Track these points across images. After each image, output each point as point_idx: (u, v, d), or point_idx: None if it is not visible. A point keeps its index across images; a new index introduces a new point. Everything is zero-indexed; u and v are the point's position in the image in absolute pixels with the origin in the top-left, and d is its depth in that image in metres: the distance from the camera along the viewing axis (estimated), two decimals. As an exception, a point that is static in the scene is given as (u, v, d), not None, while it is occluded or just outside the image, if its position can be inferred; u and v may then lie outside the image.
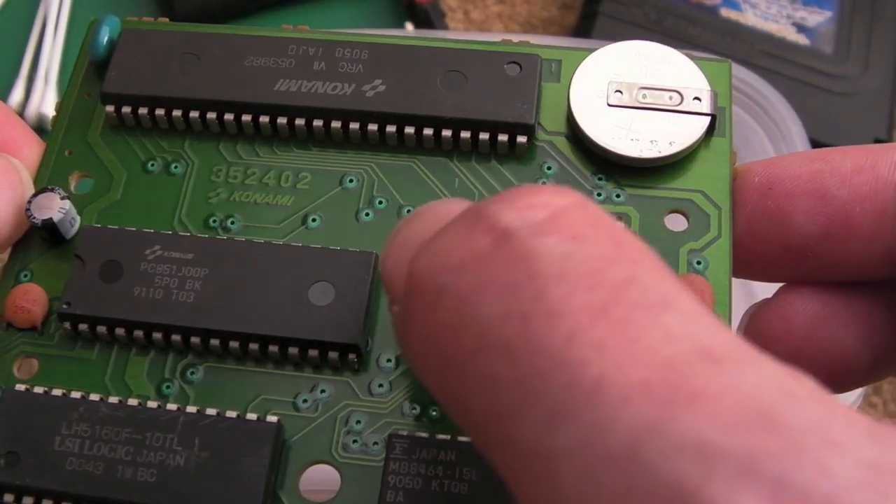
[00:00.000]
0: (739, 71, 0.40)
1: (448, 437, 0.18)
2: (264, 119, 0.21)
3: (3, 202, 0.20)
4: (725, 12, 0.43)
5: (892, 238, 0.19)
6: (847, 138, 0.43)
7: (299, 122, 0.21)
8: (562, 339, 0.12)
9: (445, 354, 0.13)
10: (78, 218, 0.21)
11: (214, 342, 0.19)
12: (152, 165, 0.21)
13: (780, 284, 0.22)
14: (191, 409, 0.18)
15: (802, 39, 0.42)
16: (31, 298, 0.20)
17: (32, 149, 0.22)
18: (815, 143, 0.41)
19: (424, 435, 0.18)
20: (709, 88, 0.21)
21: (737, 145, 0.22)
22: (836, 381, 0.21)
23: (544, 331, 0.12)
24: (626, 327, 0.12)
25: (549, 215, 0.13)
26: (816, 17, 0.43)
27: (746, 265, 0.21)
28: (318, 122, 0.21)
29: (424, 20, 0.46)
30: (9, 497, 0.18)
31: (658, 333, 0.12)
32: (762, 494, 0.11)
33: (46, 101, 0.45)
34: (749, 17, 0.43)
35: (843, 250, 0.20)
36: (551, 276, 0.13)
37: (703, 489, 0.11)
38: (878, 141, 0.45)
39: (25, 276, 0.20)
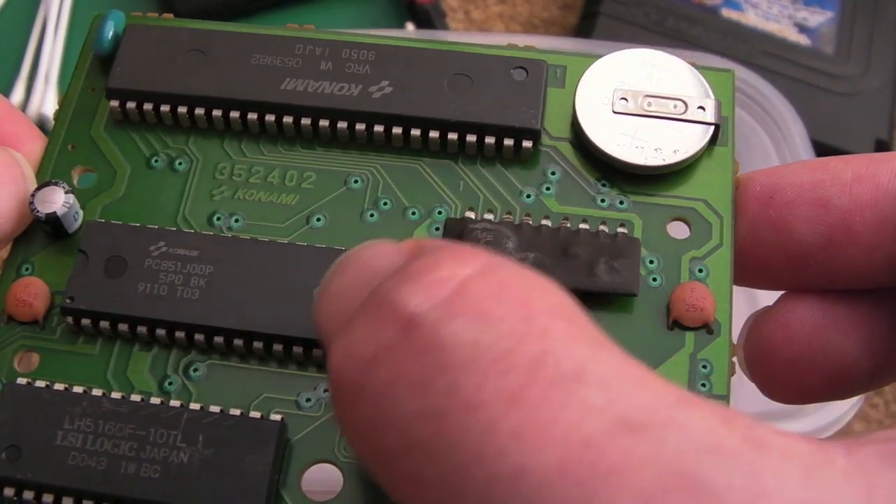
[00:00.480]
0: (740, 71, 0.40)
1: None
2: (270, 118, 0.21)
3: (6, 197, 0.20)
4: (726, 12, 0.44)
5: (893, 246, 0.20)
6: (848, 138, 0.43)
7: (305, 121, 0.21)
8: (479, 433, 0.12)
9: (372, 452, 0.13)
10: (81, 212, 0.21)
11: (218, 339, 0.19)
12: (156, 161, 0.21)
13: (782, 292, 0.22)
14: (194, 405, 0.18)
15: (804, 40, 0.43)
16: (32, 292, 0.20)
17: (35, 143, 0.22)
18: (817, 144, 0.41)
19: None
20: (713, 98, 0.21)
21: (738, 146, 0.22)
22: (839, 387, 0.21)
23: (461, 426, 0.12)
24: (542, 409, 0.12)
25: (454, 291, 0.13)
26: (817, 18, 0.43)
27: (748, 273, 0.21)
28: (324, 122, 0.21)
29: (425, 20, 0.46)
30: (9, 491, 0.18)
31: (575, 410, 0.12)
32: None
33: (47, 102, 0.45)
34: (750, 18, 0.43)
35: (843, 258, 0.20)
36: (461, 366, 0.12)
37: None
38: (879, 141, 0.45)
39: (27, 269, 0.20)
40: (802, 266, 0.21)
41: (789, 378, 0.21)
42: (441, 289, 0.13)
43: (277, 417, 0.18)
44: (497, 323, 0.13)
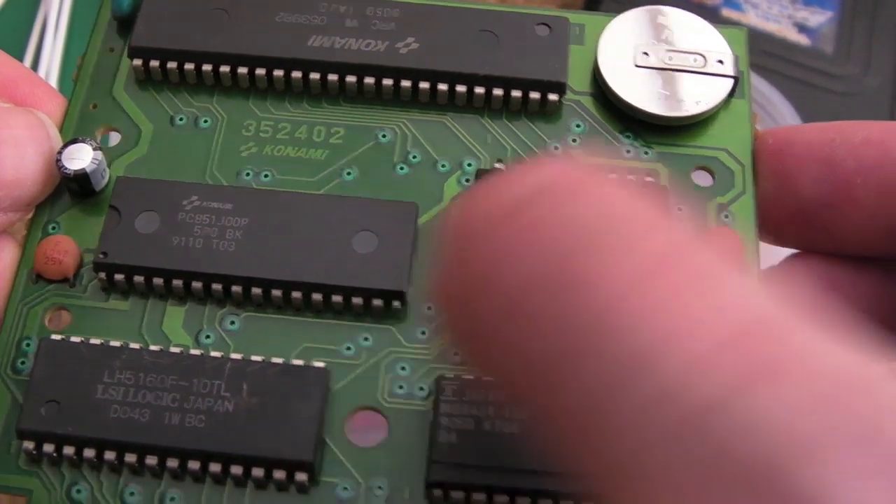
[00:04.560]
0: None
1: (494, 381, 0.18)
2: (297, 75, 0.21)
3: (32, 158, 0.19)
4: (726, 12, 0.44)
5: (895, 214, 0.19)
6: (847, 138, 0.43)
7: (332, 77, 0.21)
8: (605, 306, 0.11)
9: (472, 318, 0.13)
10: (108, 170, 0.20)
11: (256, 291, 0.19)
12: (181, 120, 0.21)
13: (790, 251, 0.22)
14: (236, 356, 0.18)
15: (803, 40, 0.43)
16: (62, 249, 0.20)
17: (54, 104, 0.21)
18: (816, 143, 0.41)
19: (472, 377, 0.18)
20: (731, 52, 0.22)
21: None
22: None
23: (578, 299, 0.12)
24: (681, 296, 0.11)
25: (585, 174, 0.13)
26: (818, 18, 0.43)
27: (759, 227, 0.21)
28: (350, 79, 0.21)
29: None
30: (49, 447, 0.18)
31: (717, 299, 0.11)
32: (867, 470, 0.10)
33: (47, 101, 0.44)
34: (750, 18, 0.43)
35: (845, 222, 0.20)
36: (588, 240, 0.12)
37: (793, 471, 0.10)
38: None
39: (53, 228, 0.20)
40: (805, 225, 0.20)
41: None
42: (574, 171, 0.13)
43: (321, 365, 0.18)
44: (632, 206, 0.13)
